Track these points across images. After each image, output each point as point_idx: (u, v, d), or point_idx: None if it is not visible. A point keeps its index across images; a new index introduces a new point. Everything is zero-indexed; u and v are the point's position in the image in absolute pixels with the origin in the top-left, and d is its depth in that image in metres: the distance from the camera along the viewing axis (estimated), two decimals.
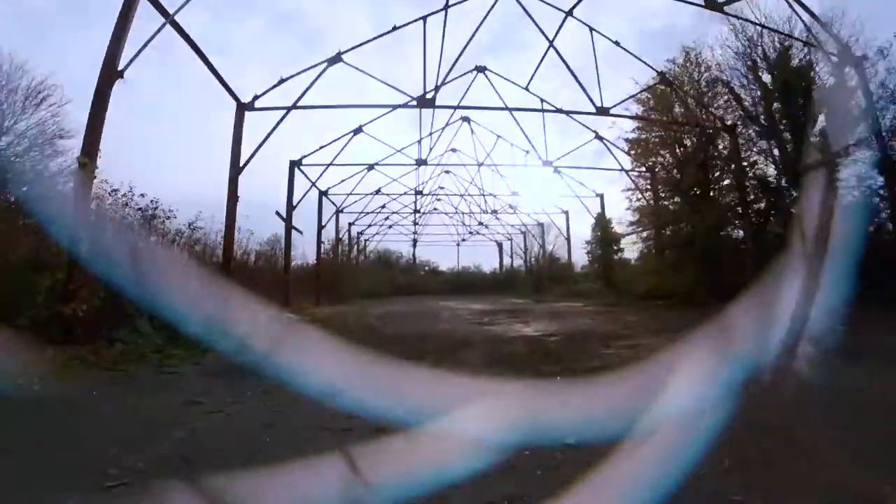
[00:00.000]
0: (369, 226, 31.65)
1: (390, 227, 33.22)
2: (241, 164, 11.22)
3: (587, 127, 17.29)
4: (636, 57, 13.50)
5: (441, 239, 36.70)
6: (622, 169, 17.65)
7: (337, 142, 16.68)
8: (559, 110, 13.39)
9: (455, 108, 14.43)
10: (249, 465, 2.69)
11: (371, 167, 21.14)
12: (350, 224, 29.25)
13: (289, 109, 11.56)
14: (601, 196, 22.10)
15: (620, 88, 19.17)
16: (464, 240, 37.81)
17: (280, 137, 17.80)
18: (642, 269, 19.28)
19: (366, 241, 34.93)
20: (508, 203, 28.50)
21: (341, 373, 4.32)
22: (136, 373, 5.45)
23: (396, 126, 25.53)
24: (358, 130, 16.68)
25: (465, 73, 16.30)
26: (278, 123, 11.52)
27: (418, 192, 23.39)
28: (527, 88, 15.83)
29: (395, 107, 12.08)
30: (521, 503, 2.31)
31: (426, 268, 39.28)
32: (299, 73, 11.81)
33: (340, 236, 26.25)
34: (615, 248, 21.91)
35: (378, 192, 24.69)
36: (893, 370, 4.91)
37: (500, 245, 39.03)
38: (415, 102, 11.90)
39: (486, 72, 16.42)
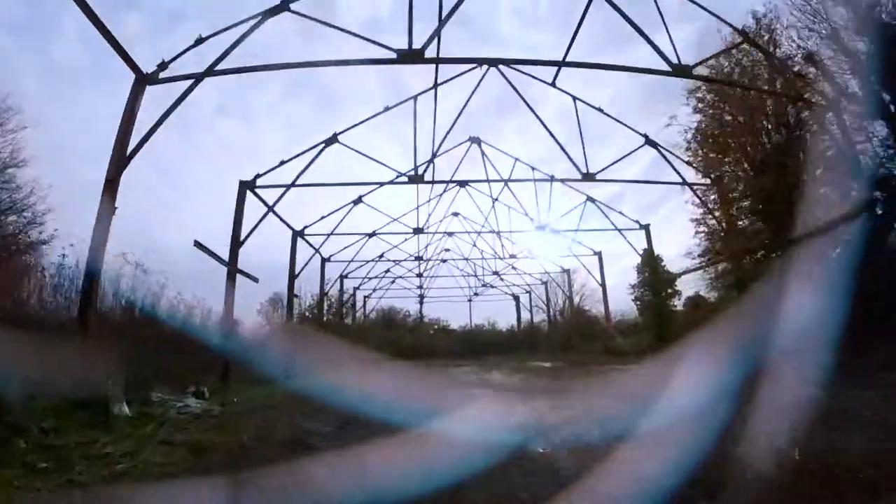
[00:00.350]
0: (367, 279, 27.32)
1: (392, 281, 28.99)
2: (127, 155, 7.11)
3: (634, 130, 13.23)
4: (703, 7, 9.46)
5: (451, 294, 32.55)
6: (683, 182, 13.33)
7: (307, 158, 12.67)
8: (625, 68, 8.90)
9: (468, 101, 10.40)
10: None
11: (359, 200, 17.13)
12: (342, 276, 24.92)
13: (200, 77, 7.58)
14: (647, 227, 17.58)
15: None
16: (476, 294, 33.48)
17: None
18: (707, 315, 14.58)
19: (365, 297, 30.74)
20: (527, 248, 24.26)
21: None
22: None
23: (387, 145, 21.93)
24: (332, 140, 12.74)
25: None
26: (186, 93, 7.52)
27: (418, 231, 18.99)
28: (553, 84, 12.04)
29: (371, 61, 8.10)
30: None
31: (435, 326, 34.62)
32: (226, 30, 7.93)
33: (327, 290, 21.80)
34: (670, 291, 17.20)
35: (373, 234, 20.51)
36: None
37: (516, 298, 34.35)
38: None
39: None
